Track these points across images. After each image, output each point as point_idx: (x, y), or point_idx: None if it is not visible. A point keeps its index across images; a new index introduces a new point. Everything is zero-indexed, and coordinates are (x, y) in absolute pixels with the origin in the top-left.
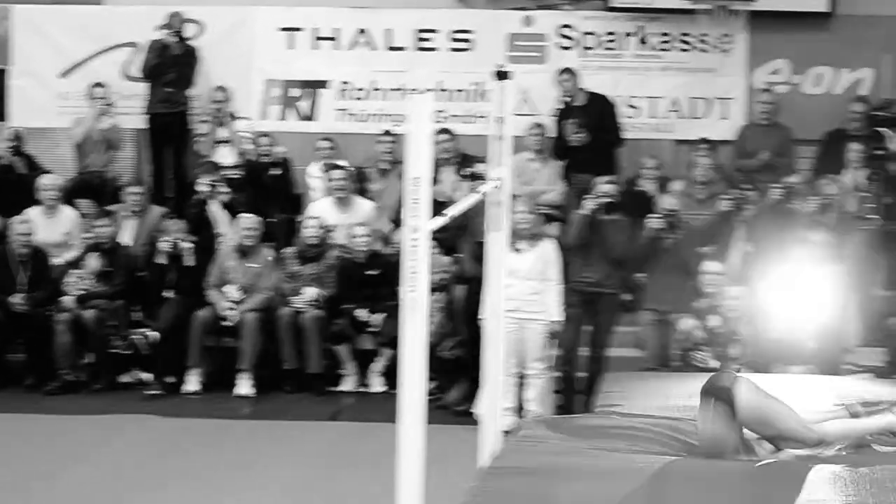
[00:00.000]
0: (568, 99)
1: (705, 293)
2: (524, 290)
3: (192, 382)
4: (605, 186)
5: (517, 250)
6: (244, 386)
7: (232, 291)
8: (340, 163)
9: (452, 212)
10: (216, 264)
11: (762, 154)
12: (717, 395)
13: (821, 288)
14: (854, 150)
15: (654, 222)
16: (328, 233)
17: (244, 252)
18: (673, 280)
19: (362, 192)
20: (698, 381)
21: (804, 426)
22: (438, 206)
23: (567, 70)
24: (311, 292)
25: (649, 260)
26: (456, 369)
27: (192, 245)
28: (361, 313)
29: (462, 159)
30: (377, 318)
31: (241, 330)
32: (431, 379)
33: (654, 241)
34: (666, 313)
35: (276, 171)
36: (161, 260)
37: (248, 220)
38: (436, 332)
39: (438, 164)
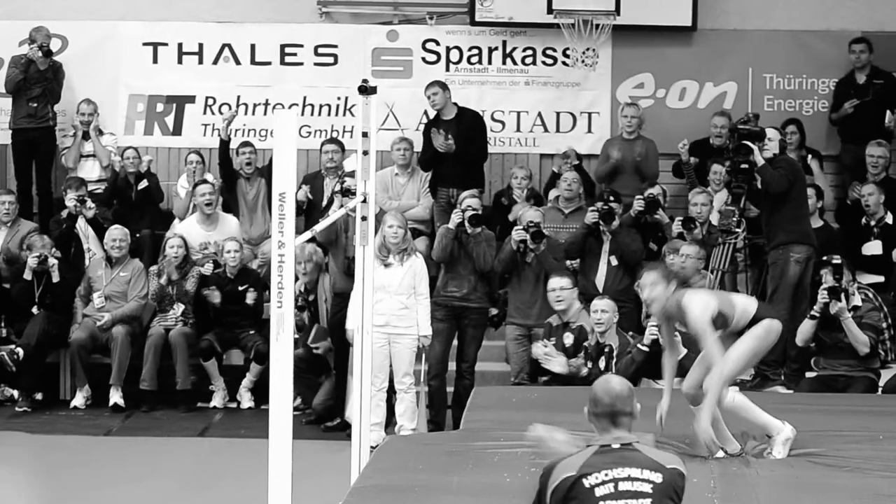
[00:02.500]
0: (437, 112)
1: (555, 309)
2: (394, 305)
3: (79, 399)
4: (470, 200)
5: (387, 265)
6: (114, 401)
7: (97, 299)
8: (208, 177)
9: (318, 227)
10: (84, 278)
11: (626, 166)
12: None
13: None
14: (718, 164)
15: (517, 235)
16: (193, 249)
17: (112, 262)
18: (537, 294)
19: (230, 204)
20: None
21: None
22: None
23: (436, 83)
24: (179, 309)
25: (513, 273)
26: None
27: (57, 261)
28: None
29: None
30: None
31: (111, 345)
32: (297, 394)
33: (518, 254)
34: (530, 327)
35: (143, 186)
36: (27, 276)
37: (117, 230)
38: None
39: (324, 175)
